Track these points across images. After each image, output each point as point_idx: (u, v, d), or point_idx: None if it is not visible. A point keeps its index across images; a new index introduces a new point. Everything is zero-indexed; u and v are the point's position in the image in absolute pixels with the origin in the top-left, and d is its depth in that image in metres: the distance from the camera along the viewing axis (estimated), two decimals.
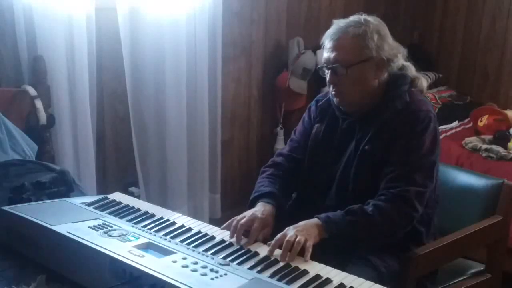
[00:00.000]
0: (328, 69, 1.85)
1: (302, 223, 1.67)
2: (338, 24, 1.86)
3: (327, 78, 1.87)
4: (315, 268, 1.46)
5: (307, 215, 1.76)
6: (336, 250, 1.69)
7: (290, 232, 1.60)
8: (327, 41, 1.86)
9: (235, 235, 1.61)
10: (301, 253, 1.54)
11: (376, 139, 1.83)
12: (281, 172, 1.98)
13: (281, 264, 1.47)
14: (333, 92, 1.89)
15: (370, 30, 1.82)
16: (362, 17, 1.86)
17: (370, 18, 1.87)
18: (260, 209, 1.78)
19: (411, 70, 1.93)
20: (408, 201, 1.75)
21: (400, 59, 1.91)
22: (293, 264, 1.47)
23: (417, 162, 1.79)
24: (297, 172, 2.00)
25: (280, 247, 1.53)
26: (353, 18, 1.87)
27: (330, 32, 1.86)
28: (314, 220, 1.70)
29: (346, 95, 1.87)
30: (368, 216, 1.72)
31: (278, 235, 1.59)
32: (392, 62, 1.87)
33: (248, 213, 1.74)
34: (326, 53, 1.86)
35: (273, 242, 1.56)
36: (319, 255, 1.56)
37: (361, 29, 1.82)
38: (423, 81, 1.94)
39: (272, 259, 1.49)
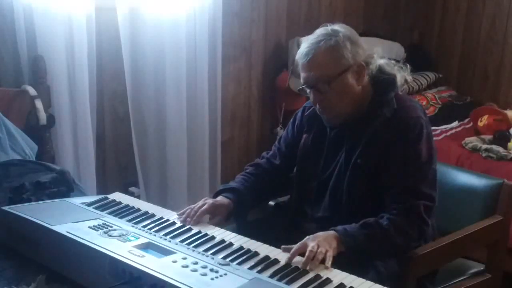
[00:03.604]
0: (310, 88, 1.83)
1: (321, 233, 1.65)
2: (308, 41, 1.81)
3: (311, 98, 1.85)
4: (315, 268, 1.46)
5: (302, 226, 1.76)
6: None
7: (311, 242, 1.57)
8: (301, 61, 1.81)
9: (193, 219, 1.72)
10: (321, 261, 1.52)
11: (368, 151, 1.81)
12: (260, 172, 2.05)
13: (281, 264, 1.47)
14: (319, 110, 1.87)
15: (341, 39, 1.78)
16: (329, 28, 1.82)
17: (337, 27, 1.82)
18: (216, 199, 1.89)
19: (386, 67, 1.88)
20: (419, 215, 1.75)
21: (376, 60, 1.87)
22: (293, 264, 1.48)
23: (419, 172, 1.77)
24: (273, 176, 2.05)
25: (300, 255, 1.52)
26: (320, 31, 1.83)
27: (302, 51, 1.81)
28: (332, 233, 1.67)
29: (334, 109, 1.84)
30: (384, 230, 1.71)
31: (298, 244, 1.56)
32: (371, 65, 1.84)
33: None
34: (303, 73, 1.82)
35: (292, 250, 1.53)
36: None
37: (332, 40, 1.77)
38: (399, 76, 1.87)
39: (272, 259, 1.49)
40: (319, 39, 1.79)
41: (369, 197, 1.81)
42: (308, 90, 1.84)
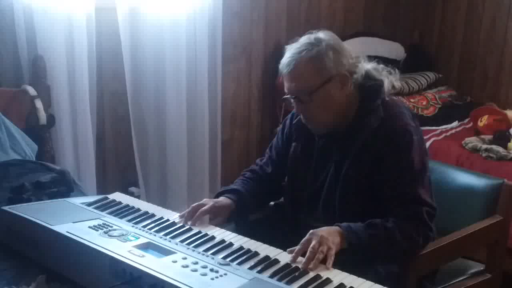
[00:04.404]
0: (292, 99, 1.81)
1: (325, 229, 1.64)
2: (290, 50, 1.78)
3: (295, 107, 1.84)
4: (315, 268, 1.46)
5: (298, 233, 1.75)
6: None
7: (313, 239, 1.57)
8: (283, 71, 1.78)
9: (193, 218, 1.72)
10: (323, 260, 1.52)
11: (358, 163, 1.78)
12: (257, 178, 2.05)
13: (281, 264, 1.47)
14: (304, 119, 1.86)
15: (324, 48, 1.74)
16: (312, 36, 1.78)
17: (321, 35, 1.78)
18: (217, 200, 1.89)
19: (374, 73, 1.84)
20: (423, 221, 1.74)
21: (363, 67, 1.82)
22: (293, 264, 1.47)
23: (415, 180, 1.76)
24: (267, 184, 2.05)
25: (303, 255, 1.52)
26: (304, 39, 1.79)
27: (284, 61, 1.78)
28: (336, 228, 1.66)
29: (317, 119, 1.82)
30: (389, 231, 1.70)
31: (302, 242, 1.56)
32: (355, 74, 1.80)
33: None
34: (286, 83, 1.79)
35: (296, 249, 1.53)
36: None
37: (314, 50, 1.74)
38: (387, 82, 1.82)
39: (272, 259, 1.49)
40: (301, 49, 1.76)
41: (363, 208, 1.79)
42: (291, 101, 1.82)
